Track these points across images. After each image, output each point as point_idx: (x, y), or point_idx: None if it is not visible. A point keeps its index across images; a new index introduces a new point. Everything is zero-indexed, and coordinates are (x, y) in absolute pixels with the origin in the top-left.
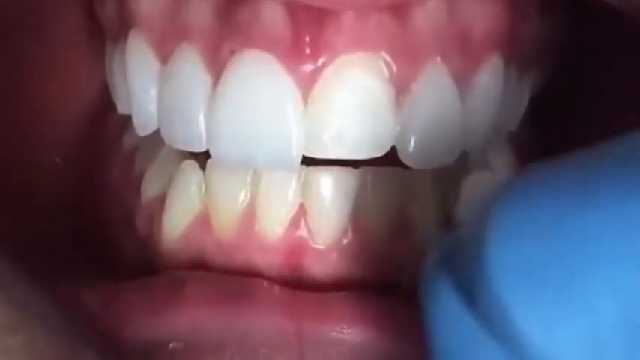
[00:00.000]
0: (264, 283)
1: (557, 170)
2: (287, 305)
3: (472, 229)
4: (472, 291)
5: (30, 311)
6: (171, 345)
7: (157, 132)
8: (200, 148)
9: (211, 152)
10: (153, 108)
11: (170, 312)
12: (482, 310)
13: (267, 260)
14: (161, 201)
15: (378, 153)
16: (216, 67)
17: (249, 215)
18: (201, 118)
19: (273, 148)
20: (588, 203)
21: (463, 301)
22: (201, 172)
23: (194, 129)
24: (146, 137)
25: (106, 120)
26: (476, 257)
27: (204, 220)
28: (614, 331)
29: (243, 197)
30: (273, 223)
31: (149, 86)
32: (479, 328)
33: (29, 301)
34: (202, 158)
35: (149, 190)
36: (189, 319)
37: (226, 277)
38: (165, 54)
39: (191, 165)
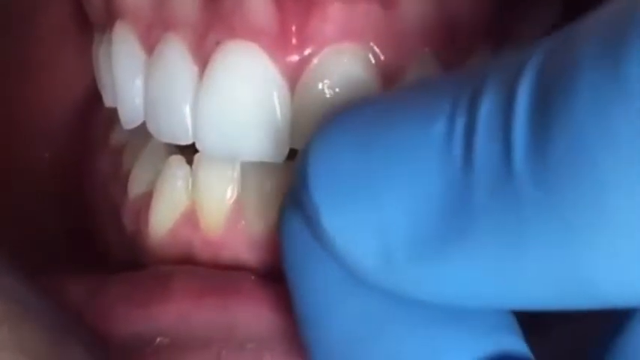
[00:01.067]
0: (252, 277)
1: (372, 103)
2: (274, 299)
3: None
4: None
5: (17, 304)
6: (157, 340)
7: (144, 128)
8: (186, 141)
9: (197, 144)
10: (139, 100)
11: (156, 305)
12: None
13: (255, 256)
14: (148, 197)
15: None
16: (202, 58)
17: (237, 211)
18: (187, 110)
19: (260, 139)
20: (388, 125)
21: (304, 225)
22: (188, 166)
23: (180, 121)
24: (134, 133)
25: (94, 115)
26: (301, 176)
27: (191, 216)
28: (401, 231)
29: (230, 193)
30: (260, 219)
31: (134, 77)
32: (314, 246)
33: (16, 293)
34: (189, 153)
35: (136, 186)
36: (176, 312)
37: (213, 271)
38: (150, 45)
39: (178, 160)
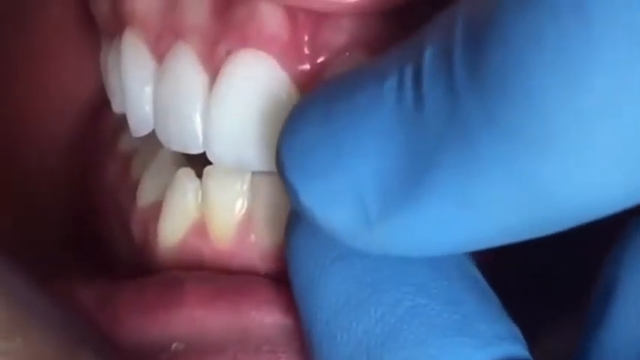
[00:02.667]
0: (265, 280)
1: (332, 81)
2: (287, 301)
3: None
4: None
5: (28, 311)
6: (173, 346)
7: (153, 137)
8: (196, 150)
9: (208, 154)
10: (148, 108)
11: (169, 311)
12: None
13: (265, 266)
14: (157, 207)
15: None
16: (213, 67)
17: (247, 223)
18: (198, 119)
19: (271, 149)
20: (346, 93)
21: (310, 236)
22: (197, 179)
23: (190, 129)
24: (143, 140)
25: (101, 121)
26: (278, 164)
27: (200, 227)
28: (371, 187)
29: (240, 205)
30: (271, 231)
31: (144, 85)
32: (322, 259)
33: (27, 300)
34: (199, 166)
35: (145, 195)
36: (188, 318)
37: (225, 276)
38: (161, 53)
39: (187, 172)
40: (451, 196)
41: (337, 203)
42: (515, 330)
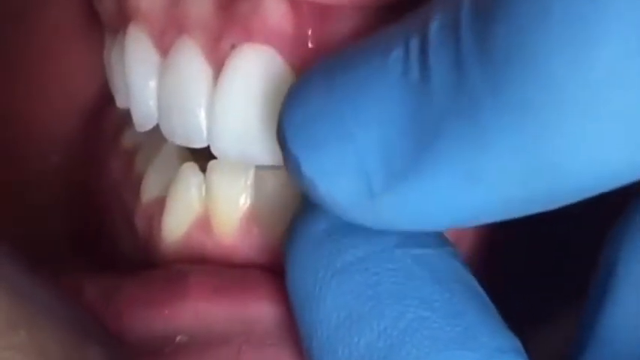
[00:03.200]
0: (269, 273)
1: (334, 55)
2: None
3: None
4: None
5: (33, 306)
6: (177, 338)
7: (156, 132)
8: (200, 144)
9: (212, 148)
10: (152, 102)
11: (172, 304)
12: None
13: (269, 261)
14: (161, 202)
15: None
16: (217, 61)
17: (250, 218)
18: (202, 113)
19: (276, 144)
20: (350, 66)
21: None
22: (201, 174)
23: (194, 124)
24: (147, 135)
25: (104, 116)
26: (280, 138)
27: (204, 223)
28: (375, 158)
29: (244, 200)
30: (274, 225)
31: (148, 79)
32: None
33: (32, 295)
34: (203, 160)
35: (149, 190)
36: (193, 311)
37: (228, 269)
38: (165, 47)
39: (191, 167)
40: (456, 169)
41: (340, 174)
42: (517, 342)
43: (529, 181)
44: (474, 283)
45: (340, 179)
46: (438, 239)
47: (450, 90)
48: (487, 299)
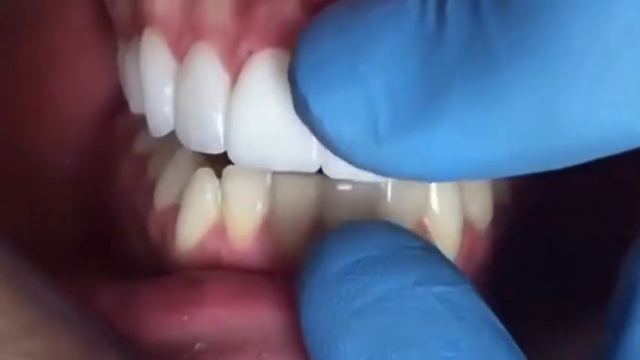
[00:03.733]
0: (286, 280)
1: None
2: None
3: None
4: None
5: (49, 312)
6: (197, 346)
7: (169, 137)
8: (217, 150)
9: (229, 154)
10: (168, 108)
11: (189, 310)
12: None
13: (285, 269)
14: (175, 209)
15: None
16: (234, 67)
17: (266, 224)
18: (219, 119)
19: (292, 149)
20: (366, 8)
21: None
22: (217, 180)
23: (211, 130)
24: (160, 141)
25: (116, 121)
26: (290, 75)
27: (220, 228)
28: (385, 101)
29: (260, 206)
30: (291, 232)
31: (164, 85)
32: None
33: (47, 300)
34: (218, 166)
35: (163, 197)
36: (210, 317)
37: (246, 275)
38: (181, 52)
39: (207, 172)
40: (466, 120)
41: (349, 115)
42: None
43: (538, 137)
44: (496, 319)
45: (348, 119)
46: (458, 275)
47: (466, 41)
48: (509, 337)
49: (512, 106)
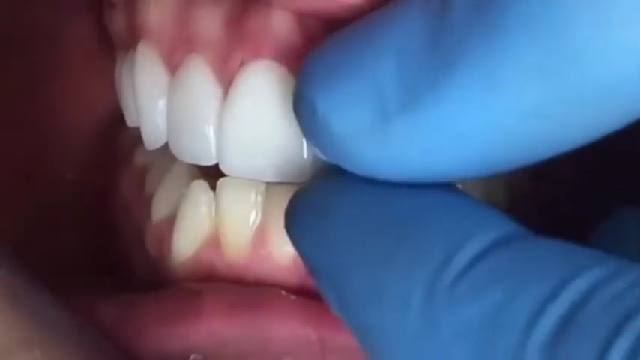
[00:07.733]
0: (282, 291)
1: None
2: (306, 313)
3: None
4: None
5: (46, 324)
6: (192, 357)
7: (167, 150)
8: (209, 162)
9: (221, 166)
10: (162, 120)
11: (187, 323)
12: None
13: (280, 279)
14: (171, 221)
15: None
16: (226, 78)
17: (260, 235)
18: (211, 131)
19: (284, 160)
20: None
21: None
22: (211, 192)
23: (203, 142)
24: (158, 154)
25: (118, 135)
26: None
27: (214, 240)
28: (392, 86)
29: (254, 218)
30: (285, 243)
31: (158, 98)
32: None
33: (45, 313)
34: (213, 179)
35: (159, 209)
36: (207, 329)
37: (242, 287)
38: (174, 65)
39: (201, 185)
40: (474, 97)
41: (355, 101)
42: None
43: (550, 81)
44: None
45: (354, 106)
46: None
47: (471, 12)
48: None
49: (520, 47)
